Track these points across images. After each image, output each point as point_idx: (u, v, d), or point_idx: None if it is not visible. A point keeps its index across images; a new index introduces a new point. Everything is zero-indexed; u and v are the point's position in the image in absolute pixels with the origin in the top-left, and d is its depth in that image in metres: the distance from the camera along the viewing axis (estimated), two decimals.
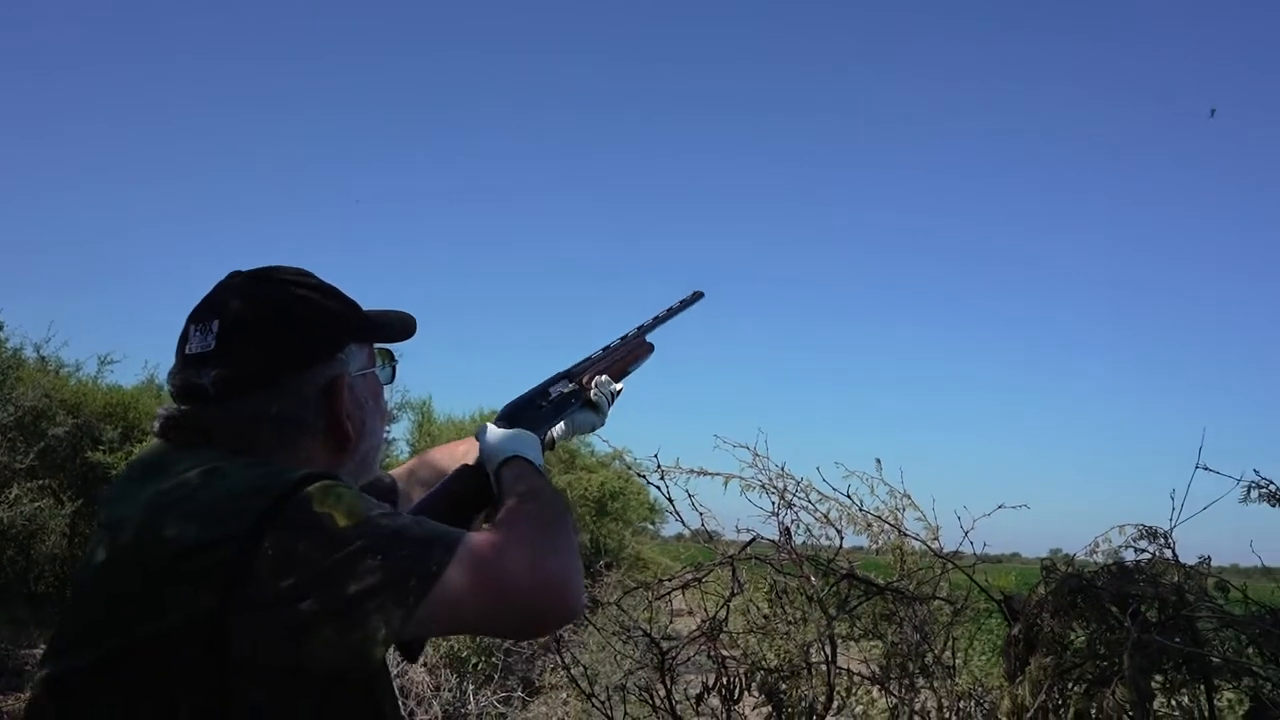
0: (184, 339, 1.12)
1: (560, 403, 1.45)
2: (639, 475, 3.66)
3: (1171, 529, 2.73)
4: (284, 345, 1.11)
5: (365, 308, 1.23)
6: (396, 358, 1.30)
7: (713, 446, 3.57)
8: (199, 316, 1.12)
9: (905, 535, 3.39)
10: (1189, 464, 2.68)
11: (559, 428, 1.48)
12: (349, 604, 0.92)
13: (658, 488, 3.27)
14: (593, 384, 1.49)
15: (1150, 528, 2.98)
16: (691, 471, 3.57)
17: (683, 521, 3.18)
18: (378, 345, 1.25)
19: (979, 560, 3.23)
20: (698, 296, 1.71)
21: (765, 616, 3.37)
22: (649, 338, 1.62)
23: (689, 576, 3.31)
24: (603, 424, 1.54)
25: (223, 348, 1.09)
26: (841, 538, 3.33)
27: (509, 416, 1.37)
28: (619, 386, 1.54)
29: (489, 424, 1.34)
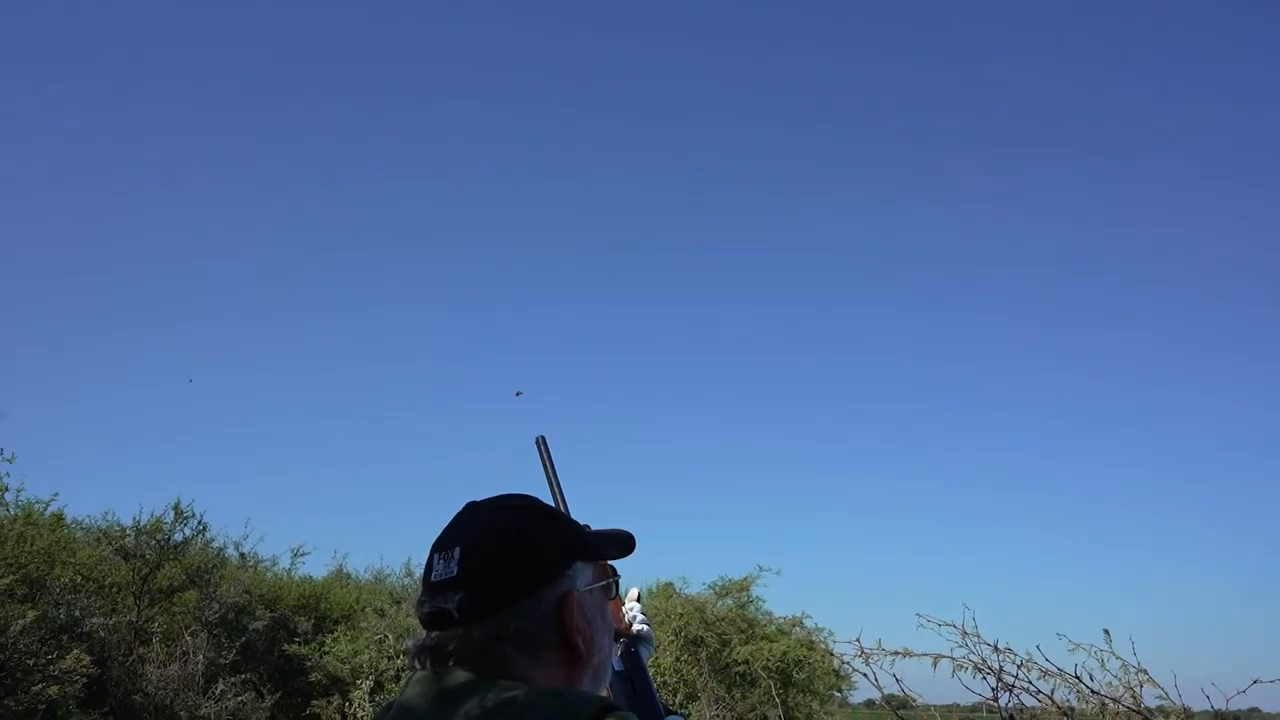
0: (429, 568, 1.22)
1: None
2: (825, 649, 3.50)
3: None
4: (517, 567, 1.19)
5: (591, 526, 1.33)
6: (618, 573, 1.36)
7: (916, 626, 3.37)
8: (441, 546, 1.22)
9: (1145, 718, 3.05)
10: None
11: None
12: None
13: (864, 674, 3.08)
14: (635, 626, 1.65)
15: None
16: (896, 653, 3.37)
17: (894, 712, 2.97)
18: (604, 562, 1.32)
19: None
20: (542, 441, 1.78)
21: None
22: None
23: None
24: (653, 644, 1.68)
25: (464, 573, 1.17)
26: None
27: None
28: (645, 623, 1.69)
29: None
